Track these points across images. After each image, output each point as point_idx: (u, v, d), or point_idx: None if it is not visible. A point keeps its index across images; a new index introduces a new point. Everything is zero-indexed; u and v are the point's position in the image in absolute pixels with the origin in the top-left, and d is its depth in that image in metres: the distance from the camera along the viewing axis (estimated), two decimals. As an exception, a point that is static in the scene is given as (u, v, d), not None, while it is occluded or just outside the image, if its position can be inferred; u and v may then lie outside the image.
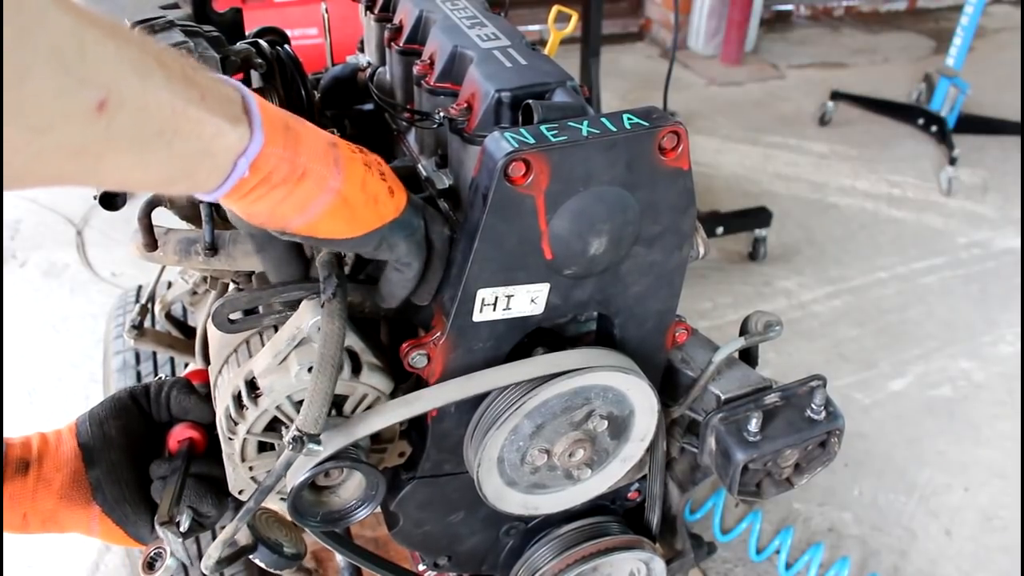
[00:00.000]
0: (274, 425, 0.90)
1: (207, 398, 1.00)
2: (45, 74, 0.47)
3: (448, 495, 1.06)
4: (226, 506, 0.96)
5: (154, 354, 1.78)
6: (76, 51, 0.49)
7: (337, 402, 0.90)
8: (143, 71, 0.54)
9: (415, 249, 0.79)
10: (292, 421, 0.89)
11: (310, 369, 0.84)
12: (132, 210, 0.95)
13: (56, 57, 0.48)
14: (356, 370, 0.88)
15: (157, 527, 0.88)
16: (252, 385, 0.88)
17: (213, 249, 0.90)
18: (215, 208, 0.91)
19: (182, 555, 0.90)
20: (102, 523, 0.94)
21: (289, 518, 0.90)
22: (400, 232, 0.77)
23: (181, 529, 0.89)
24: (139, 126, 0.55)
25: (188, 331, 1.54)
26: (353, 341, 0.87)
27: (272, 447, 0.93)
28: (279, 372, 0.86)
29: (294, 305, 0.87)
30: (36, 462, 0.92)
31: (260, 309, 0.90)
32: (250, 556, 0.97)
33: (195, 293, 1.41)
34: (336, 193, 0.70)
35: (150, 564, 0.91)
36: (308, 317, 0.83)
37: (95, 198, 0.90)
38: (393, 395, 0.92)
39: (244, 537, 0.96)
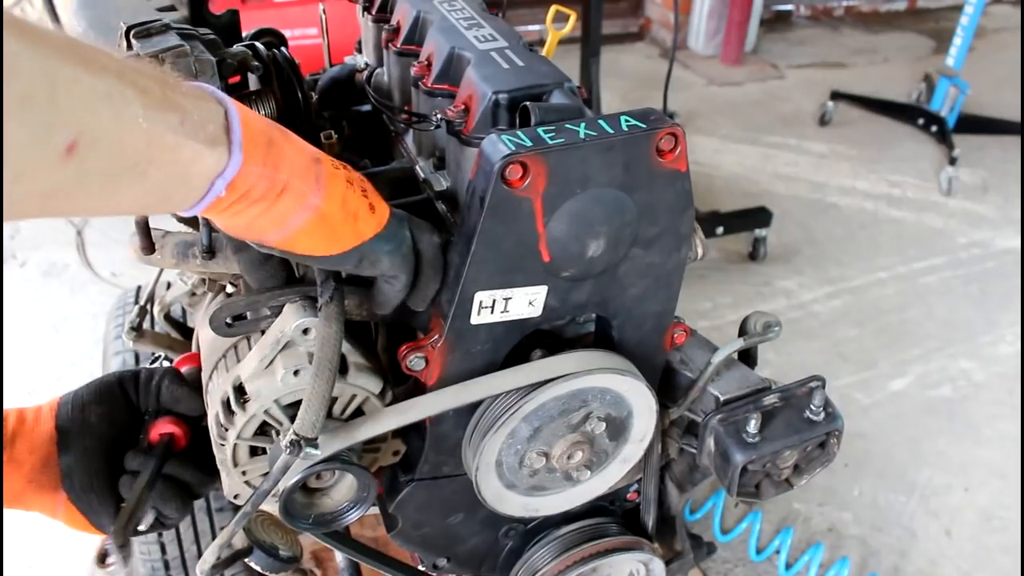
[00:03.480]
0: (264, 429, 0.90)
1: (198, 389, 1.00)
2: (14, 125, 0.45)
3: (447, 497, 1.06)
4: (190, 509, 0.95)
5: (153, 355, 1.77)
6: (47, 96, 0.47)
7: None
8: (119, 103, 0.52)
9: (400, 263, 0.79)
10: (281, 425, 0.89)
11: (296, 372, 0.84)
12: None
13: (26, 106, 0.46)
14: (343, 371, 0.88)
15: (108, 543, 0.86)
16: (240, 390, 0.88)
17: (210, 252, 0.90)
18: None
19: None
20: (67, 509, 0.94)
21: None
22: (382, 248, 0.77)
23: (142, 528, 0.88)
24: (112, 162, 0.53)
25: (187, 332, 1.54)
26: None
27: (264, 451, 0.93)
28: (265, 376, 0.86)
29: (285, 309, 0.87)
30: (9, 442, 0.91)
31: (247, 315, 0.89)
32: (245, 559, 0.96)
33: (194, 295, 1.41)
34: (315, 210, 0.69)
35: (102, 557, 0.90)
36: (291, 320, 0.83)
37: None
38: (383, 395, 0.91)
39: (239, 540, 0.96)
